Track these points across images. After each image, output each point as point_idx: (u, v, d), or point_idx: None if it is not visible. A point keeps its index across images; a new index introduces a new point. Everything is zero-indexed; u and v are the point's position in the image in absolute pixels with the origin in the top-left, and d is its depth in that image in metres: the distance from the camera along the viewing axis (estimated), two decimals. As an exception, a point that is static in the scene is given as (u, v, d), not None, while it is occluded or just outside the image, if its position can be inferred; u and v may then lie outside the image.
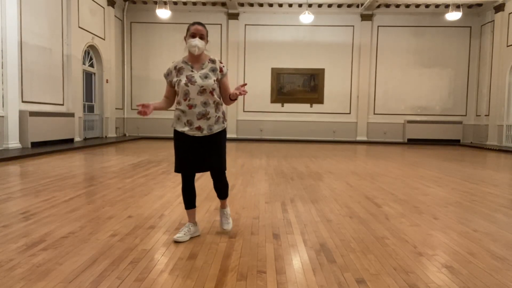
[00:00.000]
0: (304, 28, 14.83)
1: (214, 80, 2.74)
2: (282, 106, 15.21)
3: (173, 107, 2.92)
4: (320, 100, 15.25)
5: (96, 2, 12.63)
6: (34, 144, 9.25)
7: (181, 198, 4.23)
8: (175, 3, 14.75)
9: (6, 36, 8.38)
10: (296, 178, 5.78)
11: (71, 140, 10.88)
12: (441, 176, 6.32)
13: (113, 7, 13.80)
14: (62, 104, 10.89)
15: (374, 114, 15.32)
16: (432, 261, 2.49)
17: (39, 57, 9.74)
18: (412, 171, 6.83)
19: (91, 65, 12.93)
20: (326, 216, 3.56)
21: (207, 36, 2.78)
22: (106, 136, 13.61)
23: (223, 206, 3.04)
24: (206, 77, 2.72)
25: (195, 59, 2.78)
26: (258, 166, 7.10)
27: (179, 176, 5.76)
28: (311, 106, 15.28)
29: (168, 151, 9.66)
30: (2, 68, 8.39)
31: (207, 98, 2.72)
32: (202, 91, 2.70)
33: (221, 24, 15.10)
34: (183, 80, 2.71)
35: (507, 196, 4.70)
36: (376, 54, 15.16)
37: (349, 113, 15.33)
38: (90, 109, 13.04)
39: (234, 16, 14.94)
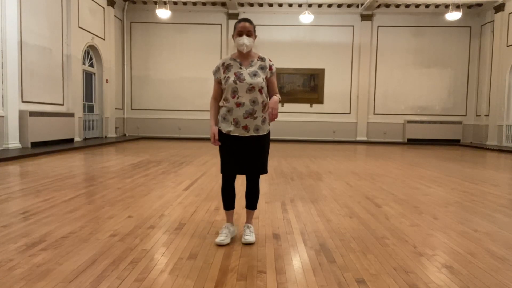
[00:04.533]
0: (304, 28, 14.83)
1: (263, 78, 2.71)
2: (282, 106, 15.19)
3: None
4: (320, 100, 15.25)
5: (96, 2, 12.63)
6: (34, 144, 9.24)
7: (181, 198, 4.26)
8: (175, 3, 14.75)
9: (6, 36, 8.38)
10: (296, 178, 5.78)
11: (71, 140, 10.88)
12: (441, 176, 6.32)
13: (113, 7, 13.79)
14: (62, 104, 10.89)
15: (374, 114, 15.31)
16: (432, 261, 2.48)
17: (39, 57, 9.74)
18: (412, 171, 6.83)
19: (91, 65, 12.93)
20: (326, 216, 3.56)
21: (254, 31, 2.75)
22: (106, 136, 13.60)
23: (249, 221, 2.93)
24: (255, 75, 2.69)
25: (243, 57, 2.75)
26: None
27: (179, 176, 5.82)
28: (311, 106, 15.29)
29: (168, 151, 9.66)
30: (2, 68, 8.39)
31: (256, 96, 2.68)
32: (251, 89, 2.66)
33: (221, 24, 15.10)
34: (232, 77, 2.68)
35: (507, 196, 4.70)
36: (376, 54, 15.16)
37: (349, 113, 15.33)
38: (90, 109, 13.04)
39: (234, 16, 14.92)
